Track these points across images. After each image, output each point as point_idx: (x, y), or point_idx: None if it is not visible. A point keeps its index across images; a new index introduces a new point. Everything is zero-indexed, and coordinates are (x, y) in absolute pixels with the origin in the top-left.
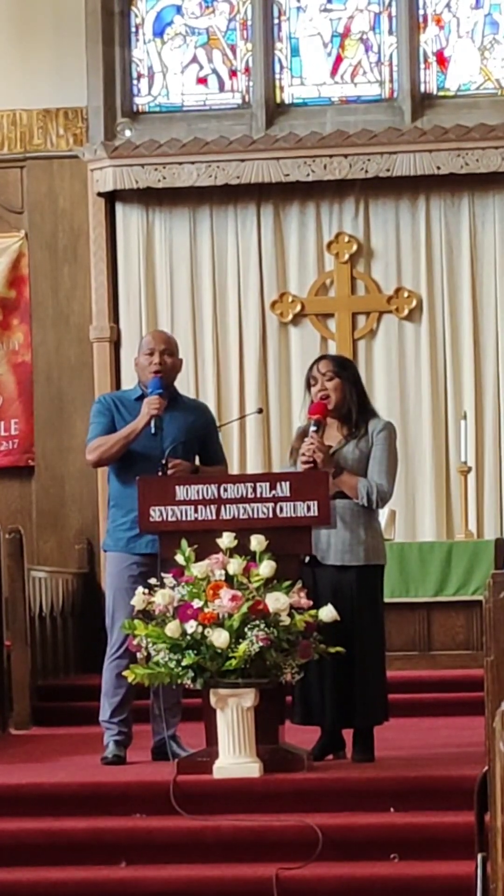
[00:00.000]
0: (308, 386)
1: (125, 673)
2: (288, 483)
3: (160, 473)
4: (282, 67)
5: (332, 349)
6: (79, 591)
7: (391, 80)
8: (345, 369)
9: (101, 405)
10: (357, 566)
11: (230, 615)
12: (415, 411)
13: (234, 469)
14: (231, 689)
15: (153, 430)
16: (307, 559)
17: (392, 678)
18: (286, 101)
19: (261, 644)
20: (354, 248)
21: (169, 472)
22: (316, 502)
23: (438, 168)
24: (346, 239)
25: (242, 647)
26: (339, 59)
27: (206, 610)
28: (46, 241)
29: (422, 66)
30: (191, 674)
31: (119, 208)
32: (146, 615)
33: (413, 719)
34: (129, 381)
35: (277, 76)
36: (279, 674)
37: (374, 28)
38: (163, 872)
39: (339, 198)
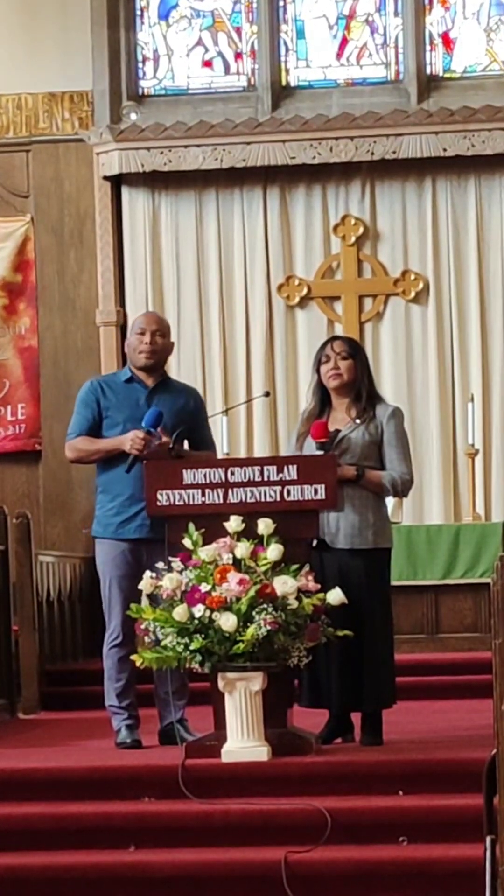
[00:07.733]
0: (318, 365)
1: (133, 657)
2: (295, 466)
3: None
4: (287, 50)
5: (339, 332)
6: (87, 576)
7: (397, 62)
8: (358, 352)
9: (86, 394)
10: (365, 549)
11: (238, 599)
12: (422, 394)
13: (241, 452)
14: (239, 673)
15: (127, 469)
16: (315, 543)
17: (400, 661)
18: (292, 84)
19: (269, 628)
20: (361, 230)
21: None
22: (323, 486)
23: (445, 150)
24: (353, 221)
25: (250, 630)
26: (344, 41)
27: (213, 594)
28: (52, 226)
29: (427, 47)
30: (199, 658)
31: (125, 192)
32: (153, 599)
33: (421, 702)
34: None
35: (283, 58)
36: (287, 657)
37: (380, 10)
38: (171, 856)
39: (346, 180)
